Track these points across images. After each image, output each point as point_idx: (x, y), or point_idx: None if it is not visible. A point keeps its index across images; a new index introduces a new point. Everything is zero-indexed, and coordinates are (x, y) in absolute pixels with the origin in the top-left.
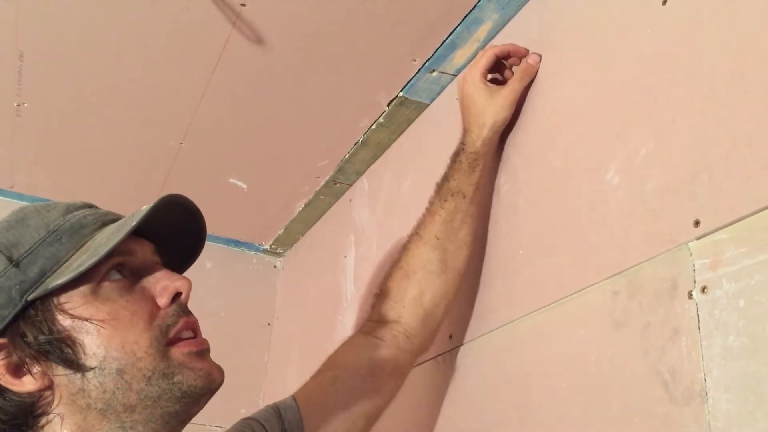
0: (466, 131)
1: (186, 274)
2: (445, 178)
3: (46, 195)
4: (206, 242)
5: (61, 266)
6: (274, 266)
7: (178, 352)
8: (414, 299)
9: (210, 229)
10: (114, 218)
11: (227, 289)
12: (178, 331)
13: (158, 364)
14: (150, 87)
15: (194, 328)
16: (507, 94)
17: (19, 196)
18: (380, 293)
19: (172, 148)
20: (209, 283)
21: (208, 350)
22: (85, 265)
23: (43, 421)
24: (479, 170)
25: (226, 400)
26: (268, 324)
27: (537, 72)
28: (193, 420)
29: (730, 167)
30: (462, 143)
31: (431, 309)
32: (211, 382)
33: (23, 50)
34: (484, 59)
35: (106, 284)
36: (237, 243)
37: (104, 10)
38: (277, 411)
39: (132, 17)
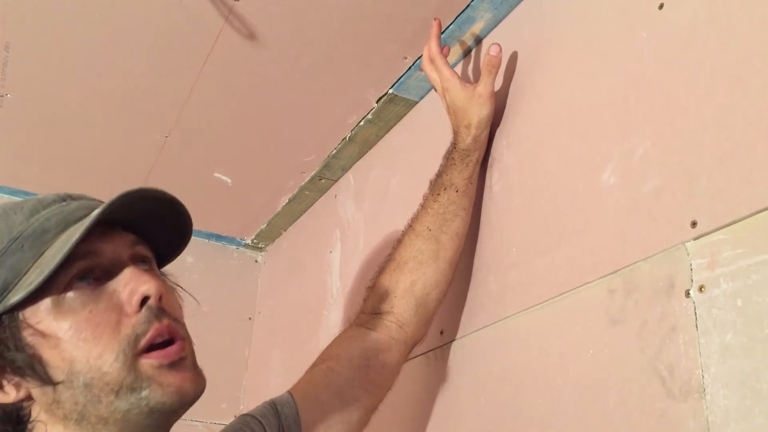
0: (455, 133)
1: (167, 268)
2: (438, 174)
3: (28, 188)
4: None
5: (20, 279)
6: (256, 261)
7: (147, 364)
8: (405, 289)
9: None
10: (81, 215)
11: (208, 283)
12: (149, 339)
13: (125, 378)
14: (138, 80)
15: (169, 332)
16: (482, 90)
17: (1, 189)
18: (373, 285)
19: (158, 141)
20: (190, 277)
21: (184, 359)
22: (35, 283)
23: (29, 427)
24: (471, 165)
25: (207, 394)
26: (249, 318)
27: (501, 61)
28: None
29: (728, 169)
30: (453, 143)
31: (423, 298)
32: (182, 397)
33: (9, 41)
34: (444, 62)
35: (69, 294)
36: (218, 237)
37: (93, 1)
38: (273, 407)
39: (122, 10)
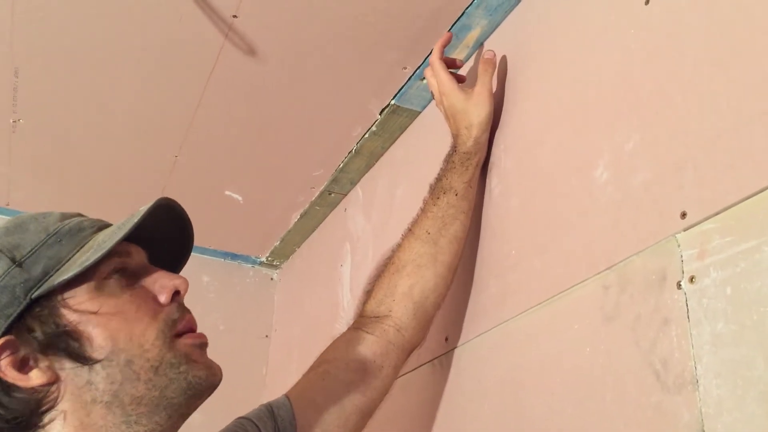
0: (455, 136)
1: None
2: (438, 178)
3: (41, 210)
4: (203, 256)
5: (63, 265)
6: (271, 278)
7: (182, 343)
8: (404, 293)
9: (206, 243)
10: (107, 224)
11: (225, 302)
12: (184, 325)
13: (165, 354)
14: (144, 100)
15: (194, 327)
16: (480, 90)
17: (15, 213)
18: (371, 289)
19: (168, 161)
20: (207, 297)
21: (206, 344)
22: (91, 260)
23: (46, 419)
24: (471, 168)
25: (226, 413)
26: (266, 336)
27: (497, 62)
28: None
29: (714, 158)
30: (453, 146)
31: (421, 302)
32: (213, 376)
33: (18, 66)
34: (442, 67)
35: (109, 281)
36: (234, 256)
37: (97, 25)
38: (270, 410)
39: (124, 31)
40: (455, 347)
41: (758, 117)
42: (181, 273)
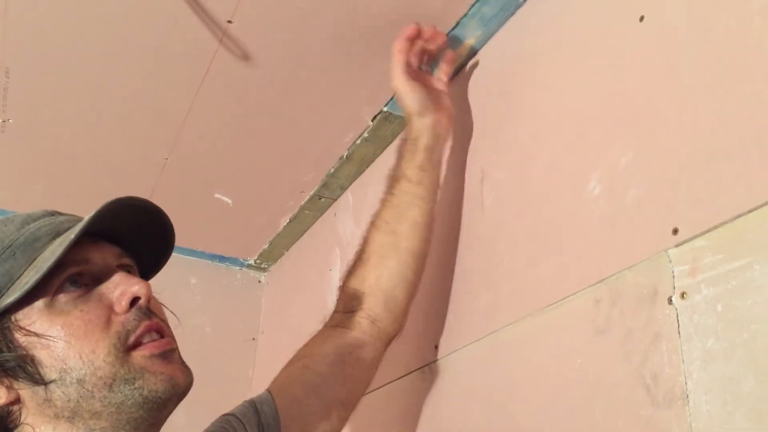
0: (407, 123)
1: (170, 290)
2: (391, 169)
3: (29, 210)
4: (191, 258)
5: (14, 283)
6: (259, 281)
7: (138, 356)
8: (372, 285)
9: (195, 245)
10: (70, 226)
11: (212, 304)
12: (139, 335)
13: (118, 371)
14: (135, 102)
15: (158, 330)
16: (422, 77)
17: (2, 212)
18: (343, 285)
19: (158, 163)
20: (194, 298)
21: (172, 350)
22: (30, 282)
23: None
24: (421, 153)
25: (211, 415)
26: (253, 339)
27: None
28: None
29: (707, 176)
30: (404, 134)
31: (390, 291)
32: (174, 386)
33: (9, 66)
34: (399, 55)
35: (60, 296)
36: (221, 258)
37: (90, 26)
38: (253, 405)
39: (118, 33)
40: (447, 355)
41: (752, 136)
42: (169, 275)
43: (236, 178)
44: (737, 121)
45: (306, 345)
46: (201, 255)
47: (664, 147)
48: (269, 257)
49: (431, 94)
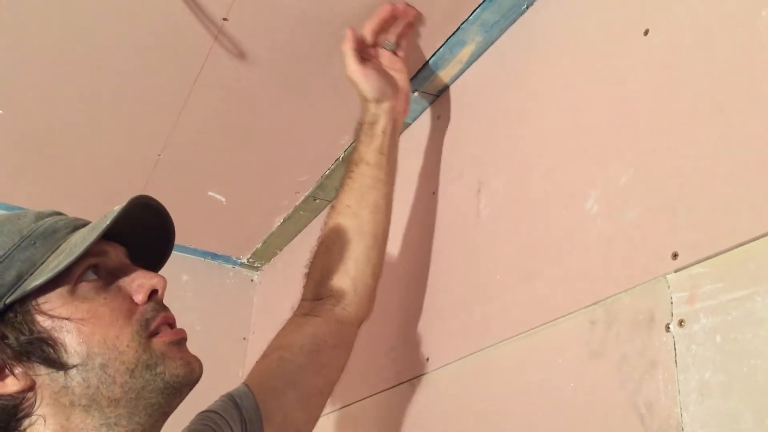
0: (361, 108)
1: None
2: (349, 154)
3: (21, 204)
4: (183, 255)
5: (37, 269)
6: (251, 280)
7: (159, 342)
8: (338, 270)
9: (187, 242)
10: (84, 223)
11: (203, 302)
12: (158, 324)
13: (141, 356)
14: (129, 98)
15: (171, 323)
16: (385, 60)
17: None
18: (308, 272)
19: (151, 159)
20: (185, 296)
21: (185, 339)
22: (62, 264)
23: (26, 423)
24: (378, 136)
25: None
26: (244, 338)
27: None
28: None
29: (709, 201)
30: (359, 120)
31: (357, 275)
32: (191, 372)
33: (1, 61)
34: (346, 45)
35: (83, 284)
36: (214, 256)
37: (84, 20)
38: (232, 400)
39: (112, 29)
40: (438, 368)
41: (756, 163)
42: (161, 271)
43: (230, 177)
44: (743, 143)
45: (278, 336)
46: (193, 252)
47: (666, 167)
48: (262, 256)
49: (387, 78)
